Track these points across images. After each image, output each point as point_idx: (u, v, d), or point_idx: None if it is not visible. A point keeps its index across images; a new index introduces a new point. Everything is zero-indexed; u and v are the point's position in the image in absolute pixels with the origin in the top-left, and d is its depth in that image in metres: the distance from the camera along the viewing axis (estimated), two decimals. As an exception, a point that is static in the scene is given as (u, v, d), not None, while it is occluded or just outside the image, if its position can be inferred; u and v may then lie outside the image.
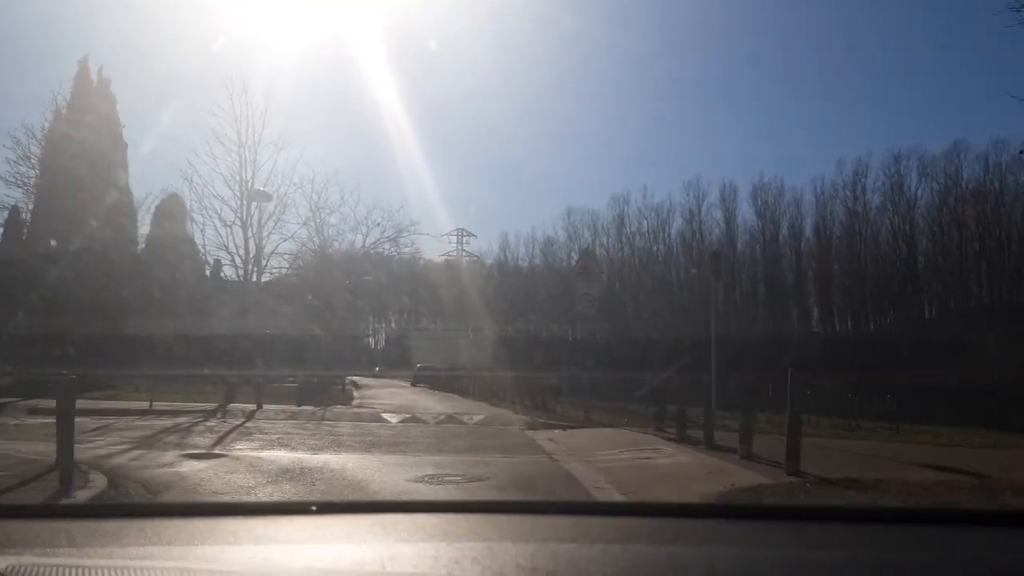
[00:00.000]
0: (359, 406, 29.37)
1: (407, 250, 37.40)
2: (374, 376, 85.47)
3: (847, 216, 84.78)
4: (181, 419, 21.28)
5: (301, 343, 44.39)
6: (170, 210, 39.79)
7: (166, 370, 34.02)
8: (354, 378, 65.06)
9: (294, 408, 26.26)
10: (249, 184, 31.05)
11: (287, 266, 35.23)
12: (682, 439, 15.83)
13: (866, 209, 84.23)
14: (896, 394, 28.26)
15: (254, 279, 32.51)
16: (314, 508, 2.90)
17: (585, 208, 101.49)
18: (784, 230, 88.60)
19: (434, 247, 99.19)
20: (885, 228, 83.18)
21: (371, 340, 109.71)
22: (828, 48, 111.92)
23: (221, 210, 31.03)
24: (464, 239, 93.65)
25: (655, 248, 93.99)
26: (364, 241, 37.45)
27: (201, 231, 31.85)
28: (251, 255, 31.45)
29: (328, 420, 22.11)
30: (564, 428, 19.92)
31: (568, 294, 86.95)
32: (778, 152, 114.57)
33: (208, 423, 20.60)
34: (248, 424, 20.35)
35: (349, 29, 68.64)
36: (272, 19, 70.29)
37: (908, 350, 58.73)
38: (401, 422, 21.77)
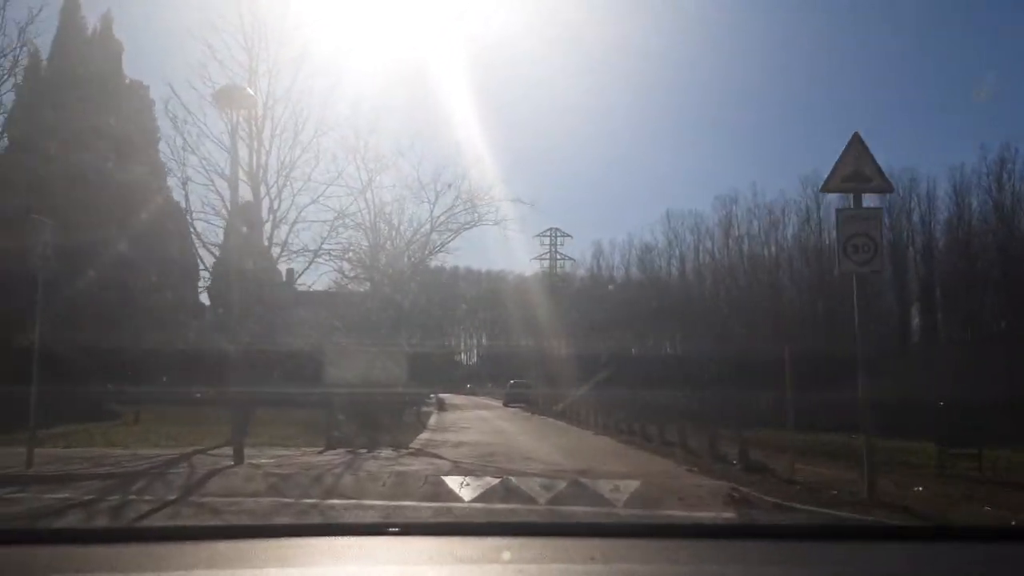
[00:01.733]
0: (420, 450, 17.57)
1: (489, 220, 24.95)
2: (464, 393, 74.62)
3: (992, 207, 69.91)
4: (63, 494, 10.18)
5: (375, 358, 33.58)
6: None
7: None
8: (443, 395, 54.45)
9: (301, 460, 14.76)
10: (259, 123, 19.92)
11: (333, 250, 23.45)
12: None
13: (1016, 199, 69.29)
14: None
15: (279, 260, 21.18)
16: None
17: (687, 210, 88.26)
18: (915, 221, 74.01)
19: (527, 247, 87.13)
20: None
21: (463, 356, 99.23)
22: (960, 25, 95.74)
23: (221, 165, 19.86)
24: (558, 239, 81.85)
25: (767, 251, 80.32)
26: (432, 210, 25.44)
27: (183, 186, 20.38)
28: (267, 220, 20.19)
29: (324, 505, 10.43)
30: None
31: (667, 303, 75.47)
32: (906, 138, 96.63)
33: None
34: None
35: (425, 21, 57.60)
36: None
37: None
38: (481, 508, 9.88)
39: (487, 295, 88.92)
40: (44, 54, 27.34)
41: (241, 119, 19.97)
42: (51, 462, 13.61)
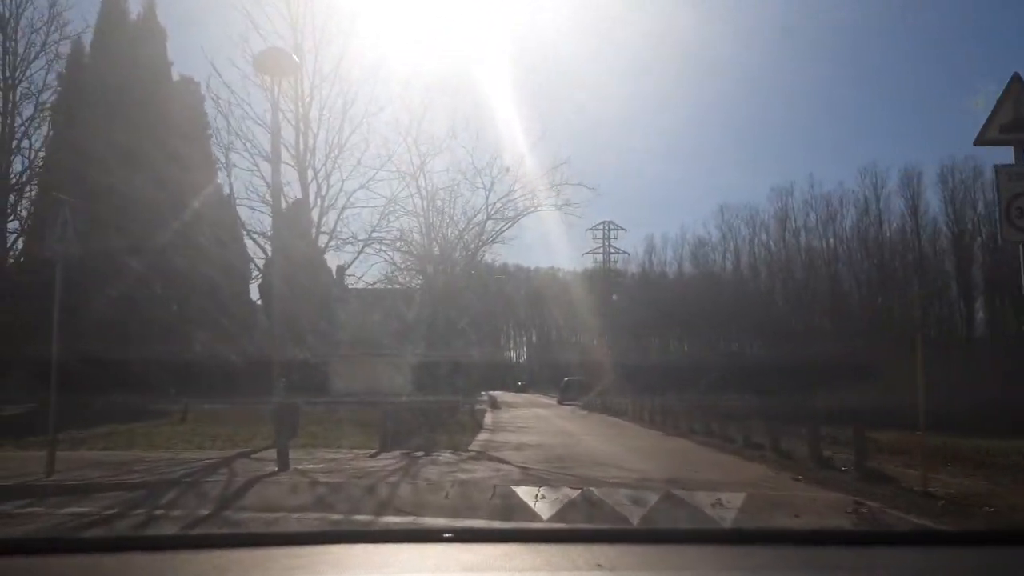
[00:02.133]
0: (482, 451, 15.91)
1: (550, 205, 22.97)
2: (516, 391, 73.01)
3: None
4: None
5: (425, 358, 32.58)
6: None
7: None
8: (494, 394, 52.86)
9: (354, 464, 13.18)
10: (306, 102, 18.45)
11: (384, 237, 21.83)
12: None
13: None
14: None
15: (327, 249, 19.66)
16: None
17: (741, 203, 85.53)
18: (980, 211, 70.51)
19: (577, 243, 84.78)
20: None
21: (513, 354, 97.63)
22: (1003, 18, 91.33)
23: (268, 149, 18.40)
24: (612, 233, 79.76)
25: (824, 244, 77.32)
26: (488, 196, 23.57)
27: (227, 171, 18.88)
28: (314, 206, 18.66)
29: (392, 509, 8.83)
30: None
31: (723, 301, 72.82)
32: (973, 126, 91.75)
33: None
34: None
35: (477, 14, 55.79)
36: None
37: None
38: (565, 530, 8.19)
39: (537, 292, 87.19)
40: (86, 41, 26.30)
41: (287, 99, 18.58)
42: (80, 467, 12.19)
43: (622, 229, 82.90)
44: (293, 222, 22.62)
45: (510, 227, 24.63)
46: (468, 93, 35.47)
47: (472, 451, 15.81)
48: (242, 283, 36.20)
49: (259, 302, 40.33)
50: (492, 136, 25.56)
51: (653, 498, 9.57)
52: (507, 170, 23.94)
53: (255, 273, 26.21)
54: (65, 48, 23.22)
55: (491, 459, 14.16)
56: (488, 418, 30.55)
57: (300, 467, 12.39)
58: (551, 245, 66.10)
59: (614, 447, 17.02)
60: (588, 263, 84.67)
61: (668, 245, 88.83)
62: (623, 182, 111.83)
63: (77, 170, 23.22)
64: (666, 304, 75.25)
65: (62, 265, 11.01)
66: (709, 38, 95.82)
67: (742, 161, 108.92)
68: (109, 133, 24.79)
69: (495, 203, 23.88)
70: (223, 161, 19.75)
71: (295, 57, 13.62)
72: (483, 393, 45.62)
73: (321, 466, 12.73)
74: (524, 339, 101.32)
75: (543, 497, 9.57)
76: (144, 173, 24.81)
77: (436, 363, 29.77)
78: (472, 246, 25.15)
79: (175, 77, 28.39)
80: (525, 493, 9.85)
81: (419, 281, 28.26)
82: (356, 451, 15.28)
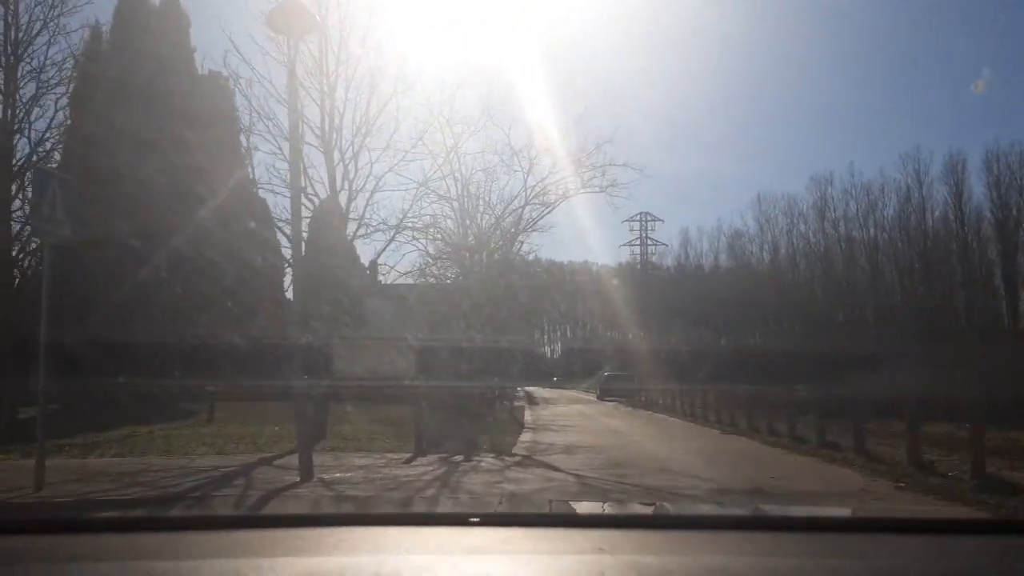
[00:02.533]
0: (528, 454, 14.16)
1: (594, 187, 21.07)
2: (551, 387, 71.19)
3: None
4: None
5: (461, 352, 31.05)
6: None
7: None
8: (529, 389, 51.14)
9: (386, 472, 11.57)
10: (331, 80, 16.85)
11: (417, 225, 20.14)
12: None
13: None
14: None
15: (356, 236, 18.02)
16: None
17: (779, 193, 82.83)
18: (1031, 200, 67.51)
19: (611, 236, 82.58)
20: None
21: (547, 348, 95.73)
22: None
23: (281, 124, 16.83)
24: (648, 223, 77.65)
25: (864, 234, 74.62)
26: (526, 180, 21.78)
27: (249, 153, 17.28)
28: (342, 189, 17.03)
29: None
30: None
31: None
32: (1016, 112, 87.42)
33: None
34: None
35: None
36: None
37: None
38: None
39: (570, 286, 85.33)
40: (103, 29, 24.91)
41: (311, 76, 17.01)
42: (78, 479, 10.68)
43: (659, 220, 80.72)
44: (323, 212, 21.15)
45: (550, 212, 22.85)
46: (503, 71, 33.39)
47: (517, 455, 14.10)
48: (276, 274, 34.80)
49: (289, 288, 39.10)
50: (530, 116, 23.76)
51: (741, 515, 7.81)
52: (546, 150, 22.05)
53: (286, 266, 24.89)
54: (73, 23, 21.61)
55: (540, 465, 12.45)
56: (527, 415, 28.92)
57: (325, 476, 10.80)
58: (583, 239, 64.37)
59: (673, 449, 15.23)
60: (622, 256, 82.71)
61: (704, 237, 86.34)
62: (657, 173, 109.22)
63: (93, 159, 21.91)
64: (703, 297, 73.23)
65: (51, 249, 9.47)
66: (744, 23, 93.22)
67: (779, 150, 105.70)
68: (128, 122, 23.46)
69: (534, 186, 22.12)
70: (245, 145, 18.23)
71: (313, 13, 11.97)
72: (519, 389, 44.00)
73: (349, 475, 11.12)
74: (558, 334, 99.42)
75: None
76: (165, 161, 23.47)
77: (470, 356, 28.35)
78: (511, 233, 23.46)
79: (198, 64, 27.01)
80: (587, 510, 8.12)
81: (453, 272, 26.65)
82: (388, 455, 13.67)
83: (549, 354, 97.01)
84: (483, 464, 12.61)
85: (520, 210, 22.62)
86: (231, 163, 24.83)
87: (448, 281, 25.95)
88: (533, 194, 21.94)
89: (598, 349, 77.14)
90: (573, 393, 60.17)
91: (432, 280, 27.30)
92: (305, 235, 17.60)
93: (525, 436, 18.47)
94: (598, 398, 44.75)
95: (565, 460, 13.05)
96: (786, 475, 11.17)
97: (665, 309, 72.32)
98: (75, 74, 22.96)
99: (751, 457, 13.95)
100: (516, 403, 32.12)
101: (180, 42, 25.47)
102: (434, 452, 14.12)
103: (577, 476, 10.89)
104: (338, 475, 11.05)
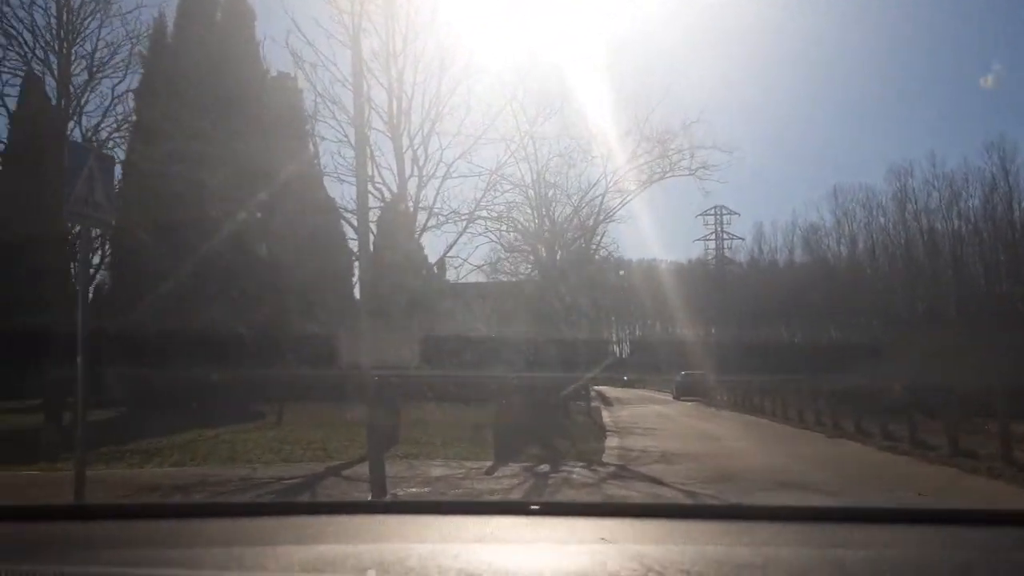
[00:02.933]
0: (621, 463, 12.54)
1: (683, 170, 19.24)
2: (622, 386, 69.19)
3: None
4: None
5: (538, 350, 29.89)
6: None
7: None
8: (599, 388, 49.42)
9: (465, 485, 10.13)
10: (399, 62, 15.52)
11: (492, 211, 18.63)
12: None
13: None
14: None
15: (426, 227, 16.59)
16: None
17: (857, 184, 79.22)
18: None
19: (686, 228, 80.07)
20: None
21: (617, 347, 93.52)
22: None
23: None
24: (724, 217, 75.12)
25: (947, 226, 70.94)
26: (606, 165, 20.01)
27: (316, 148, 15.95)
28: (411, 175, 15.62)
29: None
30: None
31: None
32: None
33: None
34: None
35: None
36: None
37: None
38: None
39: (641, 281, 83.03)
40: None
41: (378, 59, 15.72)
42: (127, 492, 9.52)
43: (735, 214, 78.10)
44: (392, 203, 20.00)
45: (633, 199, 21.16)
46: (581, 51, 31.32)
47: (609, 464, 12.50)
48: (346, 269, 33.87)
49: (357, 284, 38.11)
50: (608, 98, 22.04)
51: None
52: (627, 134, 20.30)
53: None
54: (127, 4, 20.44)
55: (640, 477, 10.84)
56: (605, 416, 27.32)
57: (399, 491, 9.42)
58: (650, 235, 62.07)
59: (780, 456, 13.45)
60: (693, 252, 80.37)
61: (778, 232, 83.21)
62: (729, 165, 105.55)
63: (156, 154, 21.08)
64: (777, 292, 70.58)
65: (87, 236, 8.28)
66: (819, 8, 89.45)
67: (856, 141, 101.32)
68: (192, 119, 22.67)
69: (614, 172, 20.45)
70: (310, 133, 17.01)
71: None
72: (591, 388, 42.36)
73: (426, 489, 9.72)
74: (626, 331, 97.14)
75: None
76: (230, 157, 22.65)
77: (544, 354, 27.06)
78: (587, 225, 21.79)
79: (263, 56, 26.00)
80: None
81: (527, 266, 25.18)
82: (466, 464, 12.26)
83: (618, 352, 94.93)
84: (574, 476, 11.09)
85: (600, 198, 20.94)
86: (296, 158, 23.90)
87: (522, 275, 24.47)
88: (613, 180, 20.26)
89: (669, 347, 74.90)
90: (645, 392, 58.21)
91: (504, 277, 25.95)
92: (374, 228, 16.39)
93: (611, 441, 16.85)
94: (674, 398, 42.78)
95: (665, 470, 11.41)
96: (933, 492, 9.37)
97: (740, 305, 69.84)
98: (139, 68, 22.22)
99: (876, 467, 12.13)
100: (591, 405, 30.50)
101: (246, 36, 24.51)
102: (515, 460, 12.68)
103: (688, 492, 9.26)
104: (412, 489, 9.67)
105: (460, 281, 27.24)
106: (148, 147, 22.57)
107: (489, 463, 12.39)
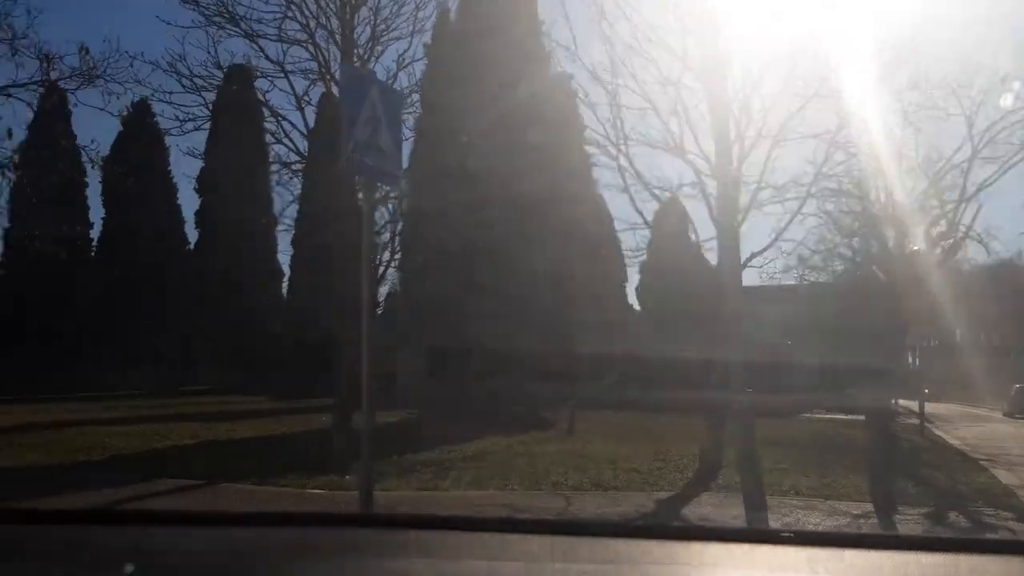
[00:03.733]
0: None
1: None
2: (923, 399, 60.72)
3: None
4: None
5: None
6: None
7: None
8: (904, 402, 42.97)
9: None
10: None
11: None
12: None
13: None
14: None
15: (747, 202, 13.23)
16: None
17: None
18: None
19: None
20: None
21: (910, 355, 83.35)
22: None
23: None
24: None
25: None
26: (971, 127, 15.46)
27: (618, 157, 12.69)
28: (736, 140, 12.37)
29: None
30: None
31: None
32: None
33: None
34: None
35: None
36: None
37: None
38: None
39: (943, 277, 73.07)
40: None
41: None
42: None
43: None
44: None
45: (1017, 164, 16.31)
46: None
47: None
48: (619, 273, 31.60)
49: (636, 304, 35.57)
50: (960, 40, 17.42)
51: None
52: (1001, 80, 15.55)
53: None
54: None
55: None
56: (943, 436, 22.46)
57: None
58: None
59: None
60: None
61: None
62: None
63: (439, 154, 19.92)
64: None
65: (370, 193, 6.15)
66: None
67: None
68: (474, 118, 21.40)
69: (985, 130, 15.77)
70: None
71: None
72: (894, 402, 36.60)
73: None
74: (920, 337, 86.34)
75: None
76: (507, 155, 21.15)
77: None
78: (945, 203, 17.24)
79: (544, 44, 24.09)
80: None
81: (838, 263, 21.07)
82: (837, 505, 9.03)
83: (911, 361, 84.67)
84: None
85: (967, 164, 16.25)
86: (573, 163, 22.04)
87: (839, 267, 20.36)
88: (984, 142, 15.65)
89: (971, 357, 65.03)
90: (957, 407, 50.17)
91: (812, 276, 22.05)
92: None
93: (1001, 474, 12.67)
94: (1005, 414, 35.93)
95: None
96: None
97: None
98: (425, 60, 21.06)
99: None
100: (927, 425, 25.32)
101: (530, 29, 22.72)
102: (901, 503, 9.24)
103: None
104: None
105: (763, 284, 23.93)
106: (429, 151, 21.58)
107: (867, 506, 9.07)
